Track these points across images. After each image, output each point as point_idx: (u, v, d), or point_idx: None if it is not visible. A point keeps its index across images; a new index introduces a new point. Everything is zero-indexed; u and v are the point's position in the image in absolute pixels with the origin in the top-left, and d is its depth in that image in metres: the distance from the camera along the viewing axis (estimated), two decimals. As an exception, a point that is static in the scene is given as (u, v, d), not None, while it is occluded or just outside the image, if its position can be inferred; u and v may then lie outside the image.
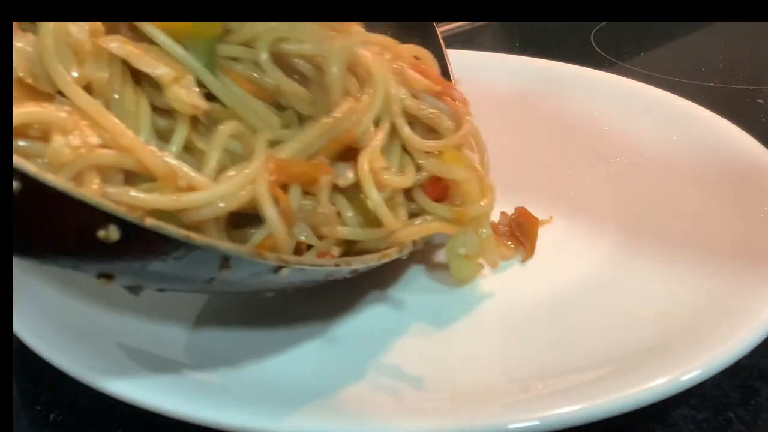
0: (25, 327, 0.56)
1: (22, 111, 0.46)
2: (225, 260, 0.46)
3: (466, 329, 0.63)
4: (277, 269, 0.50)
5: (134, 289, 0.48)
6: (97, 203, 0.40)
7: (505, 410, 0.51)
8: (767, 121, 1.09)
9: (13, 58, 0.48)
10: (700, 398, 0.58)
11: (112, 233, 0.40)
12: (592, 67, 1.04)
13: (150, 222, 0.42)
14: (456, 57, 0.95)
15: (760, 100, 1.14)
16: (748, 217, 0.71)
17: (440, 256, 0.71)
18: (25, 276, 0.63)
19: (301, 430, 0.49)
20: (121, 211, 0.40)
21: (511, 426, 0.48)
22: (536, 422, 0.48)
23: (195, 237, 0.44)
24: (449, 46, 1.03)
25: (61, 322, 0.59)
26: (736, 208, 0.73)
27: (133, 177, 0.50)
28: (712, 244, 0.69)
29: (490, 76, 0.89)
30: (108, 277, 0.44)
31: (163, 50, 0.54)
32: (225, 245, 0.47)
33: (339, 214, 0.60)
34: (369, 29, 0.65)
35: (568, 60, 1.06)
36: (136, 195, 0.48)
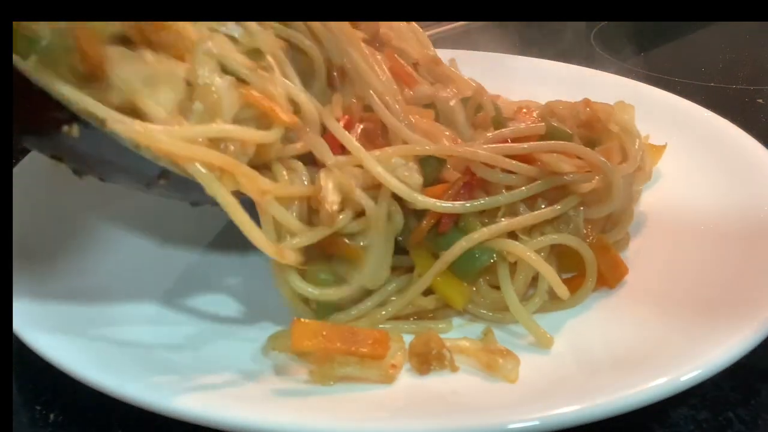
0: (25, 327, 0.56)
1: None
2: (165, 172, 0.55)
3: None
4: None
5: (78, 173, 0.56)
6: (65, 103, 0.48)
7: (505, 410, 0.51)
8: (767, 121, 1.09)
9: None
10: (700, 398, 0.58)
11: (74, 130, 0.49)
12: (592, 67, 1.04)
13: (109, 126, 0.50)
14: (456, 57, 0.95)
15: (760, 100, 1.14)
16: (748, 217, 0.71)
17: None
18: (26, 276, 0.63)
19: (299, 428, 0.49)
20: (84, 114, 0.49)
21: (511, 426, 0.48)
22: (536, 422, 0.48)
23: (143, 149, 0.52)
24: (448, 46, 1.03)
25: (60, 321, 0.59)
26: (736, 208, 0.73)
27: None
28: (713, 244, 0.69)
29: (490, 76, 0.89)
30: (59, 159, 0.53)
31: None
32: (165, 161, 0.54)
33: None
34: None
35: (568, 60, 1.06)
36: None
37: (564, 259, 0.67)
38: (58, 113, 0.49)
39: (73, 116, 0.49)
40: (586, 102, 0.78)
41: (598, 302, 0.65)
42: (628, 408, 0.49)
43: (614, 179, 0.68)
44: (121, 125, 0.51)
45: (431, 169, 0.66)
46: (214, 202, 0.57)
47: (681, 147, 0.83)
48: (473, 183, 0.66)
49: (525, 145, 0.67)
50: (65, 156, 0.53)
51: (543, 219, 0.65)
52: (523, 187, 0.66)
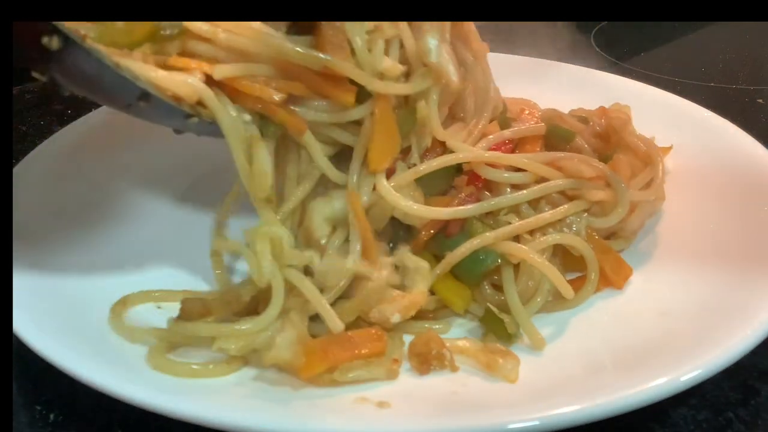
0: (24, 326, 0.56)
1: None
2: (145, 94, 0.54)
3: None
4: (188, 116, 0.57)
5: (60, 87, 0.55)
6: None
7: (505, 410, 0.51)
8: (767, 121, 1.09)
9: None
10: (700, 398, 0.58)
11: (54, 42, 0.49)
12: (592, 67, 1.04)
13: (89, 43, 0.50)
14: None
15: (760, 100, 1.14)
16: (748, 217, 0.71)
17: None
18: (26, 276, 0.63)
19: (299, 428, 0.49)
20: (65, 27, 0.49)
21: (511, 426, 0.48)
22: (536, 422, 0.48)
23: (122, 66, 0.52)
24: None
25: (61, 322, 0.59)
26: (736, 208, 0.73)
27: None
28: (712, 244, 0.69)
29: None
30: (41, 73, 0.53)
31: None
32: (146, 83, 0.54)
33: None
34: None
35: (568, 60, 1.06)
36: None
37: (567, 259, 0.67)
38: (39, 23, 0.48)
39: (54, 28, 0.48)
40: (602, 112, 0.78)
41: (598, 302, 0.65)
42: (628, 408, 0.49)
43: (623, 196, 0.68)
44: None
45: (444, 179, 0.66)
46: (199, 130, 0.56)
47: (681, 147, 0.83)
48: (478, 188, 0.66)
49: (557, 153, 0.68)
50: (47, 69, 0.52)
51: (550, 221, 0.65)
52: (535, 187, 0.66)
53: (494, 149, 0.68)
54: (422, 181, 0.65)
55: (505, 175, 0.66)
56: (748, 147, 0.80)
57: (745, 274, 0.63)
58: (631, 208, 0.69)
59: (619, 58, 1.31)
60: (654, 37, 1.43)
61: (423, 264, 0.62)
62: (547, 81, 0.98)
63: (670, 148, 0.83)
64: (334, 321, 0.57)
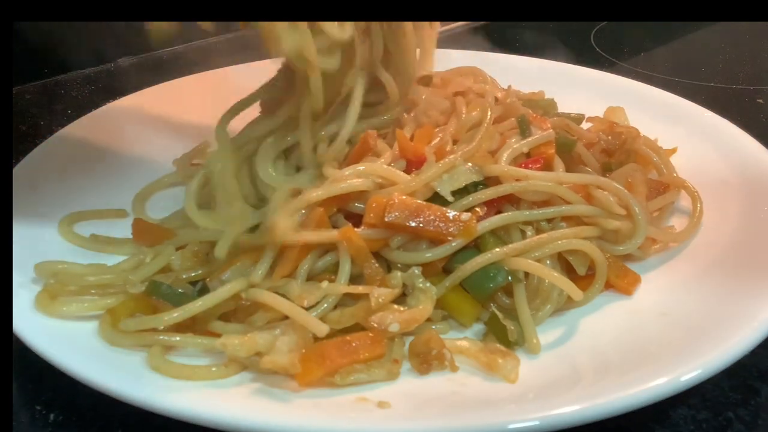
0: (25, 327, 0.56)
1: None
2: None
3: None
4: None
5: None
6: None
7: (505, 410, 0.51)
8: (767, 121, 1.09)
9: None
10: (700, 398, 0.58)
11: None
12: (592, 67, 1.04)
13: None
14: (456, 57, 0.95)
15: (760, 100, 1.14)
16: (747, 217, 0.71)
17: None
18: (26, 275, 0.63)
19: (299, 428, 0.49)
20: None
21: (511, 426, 0.48)
22: (536, 422, 0.48)
23: None
24: (449, 46, 1.03)
25: (61, 322, 0.59)
26: (735, 208, 0.73)
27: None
28: (712, 245, 0.69)
29: (491, 76, 0.89)
30: None
31: None
32: None
33: None
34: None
35: (568, 60, 1.06)
36: None
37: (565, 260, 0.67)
38: None
39: None
40: (610, 127, 0.79)
41: (598, 303, 0.65)
42: (628, 408, 0.49)
43: (640, 229, 0.67)
44: None
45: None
46: None
47: (681, 147, 0.83)
48: (500, 201, 0.66)
49: (596, 178, 0.69)
50: None
51: (561, 238, 0.65)
52: (551, 209, 0.66)
53: (524, 166, 0.69)
54: None
55: (531, 193, 0.66)
56: (748, 147, 0.80)
57: (745, 274, 0.63)
58: (651, 241, 0.70)
59: (619, 58, 1.31)
60: (654, 37, 1.43)
61: (431, 287, 0.61)
62: (547, 81, 0.98)
63: (674, 149, 0.83)
64: (318, 326, 0.57)
